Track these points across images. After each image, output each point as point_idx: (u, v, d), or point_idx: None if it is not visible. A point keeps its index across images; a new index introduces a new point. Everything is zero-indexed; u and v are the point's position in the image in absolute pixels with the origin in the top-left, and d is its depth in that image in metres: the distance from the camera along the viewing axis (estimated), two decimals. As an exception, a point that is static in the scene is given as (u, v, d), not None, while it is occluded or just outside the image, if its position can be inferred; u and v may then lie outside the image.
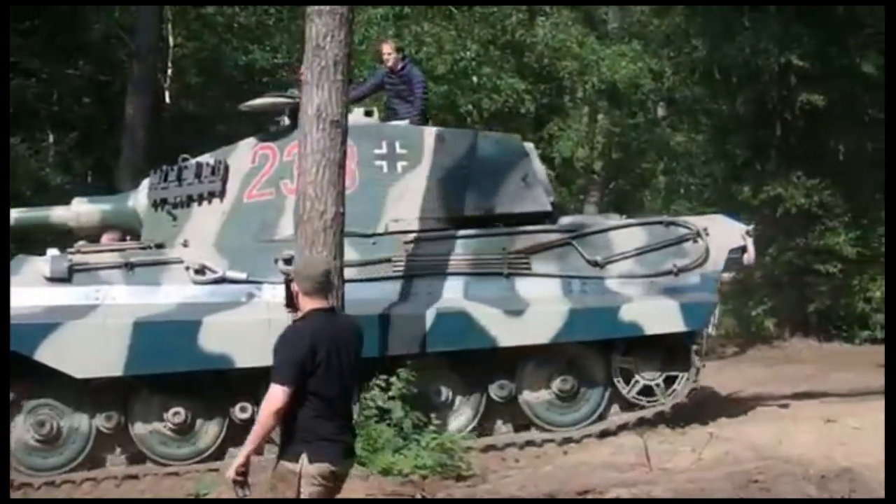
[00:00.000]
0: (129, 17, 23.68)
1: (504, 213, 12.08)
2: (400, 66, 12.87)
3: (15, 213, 12.68)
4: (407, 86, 12.81)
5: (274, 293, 10.44)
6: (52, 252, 11.34)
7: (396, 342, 11.00)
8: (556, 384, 11.53)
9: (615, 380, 11.62)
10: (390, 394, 10.41)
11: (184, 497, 9.79)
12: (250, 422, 9.86)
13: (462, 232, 11.77)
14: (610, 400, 11.70)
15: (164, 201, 12.00)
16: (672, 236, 12.02)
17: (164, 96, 25.28)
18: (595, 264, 11.69)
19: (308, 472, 5.57)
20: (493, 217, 12.06)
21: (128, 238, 12.39)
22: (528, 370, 11.56)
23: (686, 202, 27.98)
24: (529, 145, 13.14)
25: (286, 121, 12.17)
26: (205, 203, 11.91)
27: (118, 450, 11.06)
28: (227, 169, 11.87)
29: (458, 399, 11.46)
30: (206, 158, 12.12)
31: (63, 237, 12.65)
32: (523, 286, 11.53)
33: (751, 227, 12.37)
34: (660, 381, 11.68)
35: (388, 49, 13.10)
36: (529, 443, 11.37)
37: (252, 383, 10.26)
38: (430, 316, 11.13)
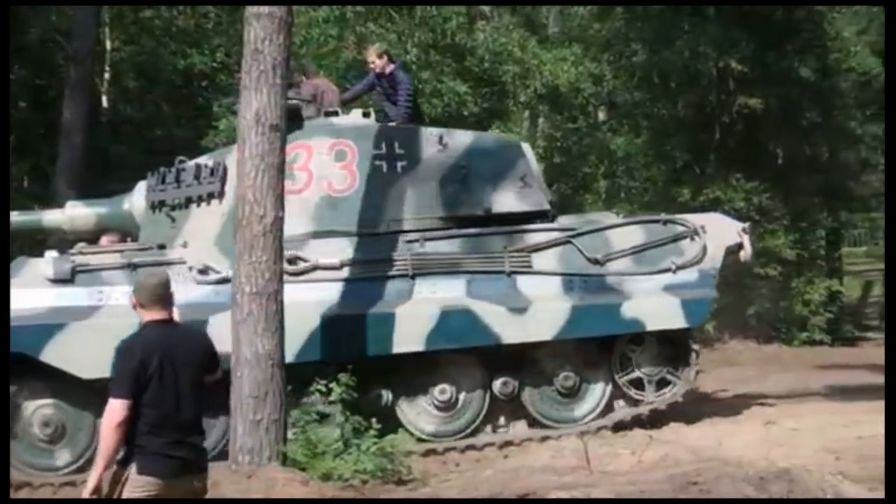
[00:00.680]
0: (65, 20, 23.41)
1: (503, 213, 12.24)
2: (388, 70, 12.97)
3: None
4: (393, 89, 12.92)
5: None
6: (51, 254, 11.32)
7: (401, 340, 11.20)
8: (560, 381, 11.75)
9: (615, 376, 11.87)
10: (331, 398, 10.37)
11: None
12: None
13: (463, 231, 11.95)
14: (610, 398, 11.95)
15: (162, 203, 12.01)
16: (670, 234, 12.25)
17: (102, 100, 25.04)
18: (595, 262, 11.91)
19: (134, 479, 5.49)
20: (492, 216, 12.21)
21: (128, 240, 12.41)
22: (532, 367, 11.77)
23: (626, 205, 28.07)
24: (526, 145, 13.35)
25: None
26: (204, 204, 11.95)
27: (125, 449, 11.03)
28: (225, 170, 11.82)
29: (462, 396, 11.65)
30: (205, 160, 12.22)
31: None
32: (525, 284, 11.71)
33: (747, 225, 12.65)
34: (658, 377, 11.93)
35: (371, 57, 13.23)
36: (470, 447, 11.38)
37: None
38: (434, 314, 11.30)
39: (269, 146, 9.97)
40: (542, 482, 8.98)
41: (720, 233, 12.37)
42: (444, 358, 11.55)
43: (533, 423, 11.81)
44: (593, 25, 30.71)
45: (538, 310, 11.49)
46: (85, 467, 10.74)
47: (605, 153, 30.78)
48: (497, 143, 13.19)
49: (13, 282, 10.85)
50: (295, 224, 11.17)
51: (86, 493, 5.49)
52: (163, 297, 5.81)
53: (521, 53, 25.92)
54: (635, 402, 11.90)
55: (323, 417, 10.42)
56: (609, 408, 11.95)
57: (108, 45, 25.21)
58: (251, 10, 10.04)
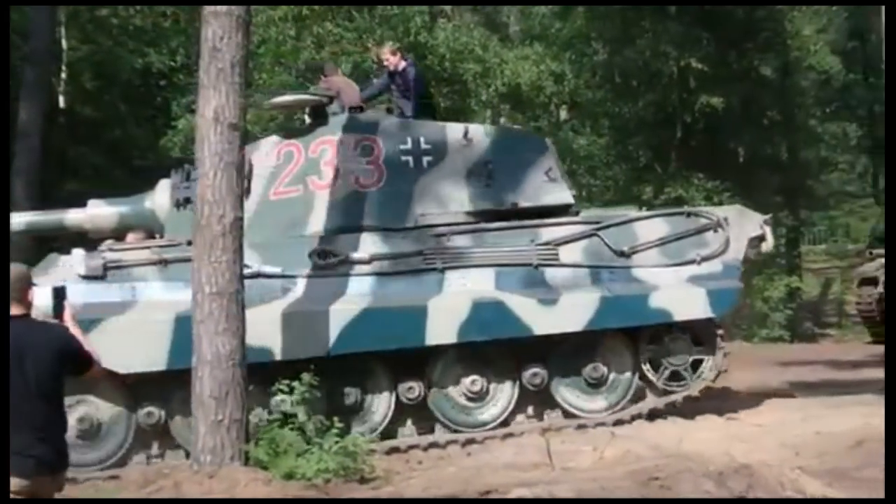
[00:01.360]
0: (21, 19, 23.17)
1: (529, 207, 12.42)
2: (401, 66, 13.20)
3: (28, 217, 12.73)
4: (407, 86, 13.13)
5: (306, 286, 11.22)
6: (78, 251, 11.33)
7: (434, 332, 11.31)
8: (588, 371, 11.89)
9: (643, 367, 12.05)
10: (293, 398, 10.32)
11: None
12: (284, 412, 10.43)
13: (490, 224, 12.11)
14: (637, 387, 12.13)
15: (187, 200, 11.93)
16: (693, 227, 12.43)
17: (59, 101, 24.83)
18: (621, 254, 12.07)
19: (12, 484, 5.37)
20: (518, 210, 12.38)
21: (157, 237, 12.37)
22: (559, 357, 11.89)
23: (588, 204, 28.21)
24: (548, 141, 13.52)
25: (307, 119, 12.60)
26: None
27: (155, 444, 11.15)
28: (251, 167, 11.87)
29: (492, 387, 11.78)
30: None
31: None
32: (553, 276, 11.86)
33: (769, 217, 12.91)
34: (684, 366, 12.11)
35: (385, 54, 13.53)
36: (433, 444, 11.42)
37: (289, 375, 10.49)
38: (465, 306, 11.41)
39: (228, 145, 9.89)
40: (505, 479, 8.97)
41: (742, 224, 12.59)
42: (475, 350, 11.68)
43: (566, 414, 11.96)
44: (555, 24, 30.77)
45: (568, 301, 11.64)
46: (122, 462, 10.95)
47: (567, 152, 30.81)
48: (521, 137, 13.64)
49: (45, 279, 10.71)
50: (323, 219, 11.58)
51: None
52: (19, 291, 5.67)
53: (483, 52, 25.95)
54: (663, 393, 12.11)
55: (287, 417, 10.39)
56: (637, 398, 12.16)
57: (65, 44, 24.98)
58: (209, 8, 9.96)
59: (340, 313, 11.13)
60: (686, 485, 7.93)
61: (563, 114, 32.32)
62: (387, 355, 11.30)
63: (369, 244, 11.67)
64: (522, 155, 12.63)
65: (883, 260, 22.70)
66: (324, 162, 11.89)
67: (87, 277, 11.08)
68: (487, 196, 12.31)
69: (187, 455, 10.50)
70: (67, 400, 10.51)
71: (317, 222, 11.67)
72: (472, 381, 11.64)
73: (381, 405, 11.48)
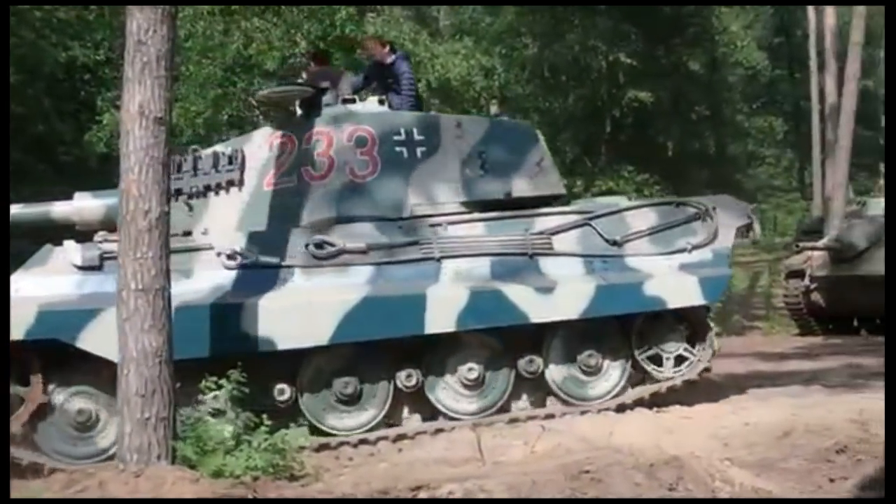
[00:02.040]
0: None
1: (521, 197, 12.54)
2: (389, 60, 13.39)
3: (13, 209, 12.42)
4: (395, 79, 13.24)
5: (303, 276, 11.30)
6: (70, 244, 11.24)
7: (433, 321, 11.33)
8: (582, 359, 12.03)
9: (635, 352, 12.22)
10: (217, 394, 10.22)
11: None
12: (288, 403, 11.01)
13: (484, 214, 12.21)
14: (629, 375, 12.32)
15: (178, 192, 11.87)
16: (682, 216, 12.62)
17: (-20, 95, 24.39)
18: (614, 243, 12.22)
19: None
20: (511, 200, 12.49)
21: None
22: (556, 346, 12.01)
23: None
24: (537, 131, 13.63)
25: (298, 111, 12.58)
26: (223, 192, 12.09)
27: None
28: (244, 158, 12.00)
29: (489, 374, 11.89)
30: (222, 148, 12.40)
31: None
32: (548, 265, 11.97)
33: (755, 206, 12.99)
34: (676, 353, 12.37)
35: (375, 47, 13.89)
36: (363, 441, 11.36)
37: (290, 365, 10.82)
38: (463, 294, 11.45)
39: (153, 139, 9.73)
40: (436, 474, 8.97)
41: (730, 213, 12.81)
42: (470, 338, 11.76)
43: (562, 401, 12.13)
44: (485, 19, 30.81)
45: (563, 289, 11.74)
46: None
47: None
48: (512, 128, 13.49)
49: (41, 269, 10.85)
50: (319, 210, 11.67)
51: None
52: None
53: (413, 46, 25.92)
54: (654, 380, 12.34)
55: (215, 414, 10.29)
56: (629, 385, 12.34)
57: (-13, 37, 24.57)
58: (134, 0, 9.83)
59: (339, 303, 11.14)
60: (616, 477, 7.98)
61: (494, 108, 32.28)
62: (383, 344, 11.34)
63: (365, 234, 11.74)
64: (515, 145, 12.79)
65: (809, 253, 23.06)
66: (318, 153, 11.97)
67: (84, 268, 11.04)
68: (481, 186, 12.44)
69: None
70: (65, 392, 10.67)
71: (311, 213, 11.73)
72: (469, 369, 11.76)
73: (380, 394, 11.55)
